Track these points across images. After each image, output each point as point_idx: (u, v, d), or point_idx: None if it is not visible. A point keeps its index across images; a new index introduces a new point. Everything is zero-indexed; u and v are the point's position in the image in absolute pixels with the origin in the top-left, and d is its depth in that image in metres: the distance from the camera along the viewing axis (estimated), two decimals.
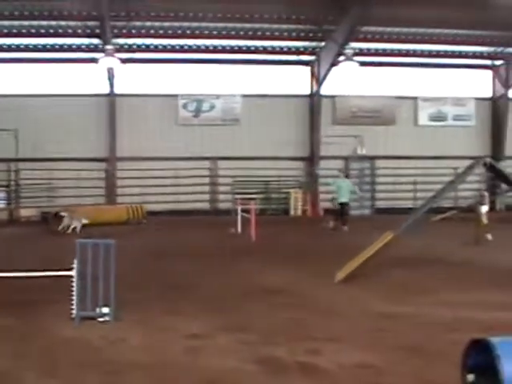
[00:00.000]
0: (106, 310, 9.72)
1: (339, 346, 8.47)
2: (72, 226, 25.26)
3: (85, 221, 25.75)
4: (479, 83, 38.27)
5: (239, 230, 24.62)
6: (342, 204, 25.69)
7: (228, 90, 35.84)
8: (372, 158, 36.69)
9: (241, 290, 12.66)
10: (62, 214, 26.15)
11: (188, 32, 32.57)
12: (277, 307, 10.98)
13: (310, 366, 7.63)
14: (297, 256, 17.85)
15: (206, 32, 32.64)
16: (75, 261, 9.70)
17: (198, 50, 34.51)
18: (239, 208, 25.50)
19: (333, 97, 36.45)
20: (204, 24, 31.84)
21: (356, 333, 9.26)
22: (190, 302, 11.35)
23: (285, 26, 32.72)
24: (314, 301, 11.61)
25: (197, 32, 32.62)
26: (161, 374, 7.42)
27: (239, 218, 24.98)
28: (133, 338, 8.89)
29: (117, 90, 34.44)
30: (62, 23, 30.86)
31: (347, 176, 26.81)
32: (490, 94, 38.31)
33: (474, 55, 36.92)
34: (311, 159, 36.16)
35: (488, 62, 37.64)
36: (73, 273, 9.71)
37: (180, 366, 7.67)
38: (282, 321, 9.96)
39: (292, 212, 35.76)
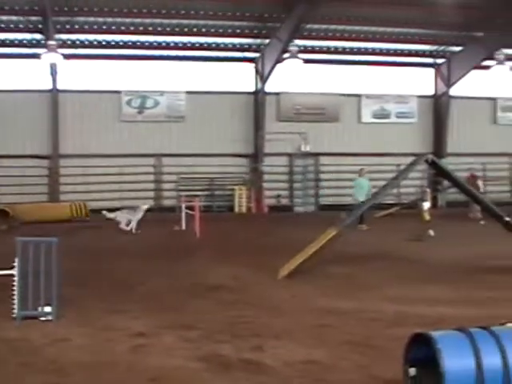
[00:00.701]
0: (48, 309, 9.59)
1: (284, 343, 8.49)
2: (131, 221, 24.36)
3: (145, 206, 24.81)
4: (422, 81, 38.71)
5: (184, 227, 24.56)
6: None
7: (172, 87, 35.65)
8: (316, 155, 36.86)
9: (186, 287, 12.63)
10: (109, 215, 24.71)
11: (132, 28, 32.31)
12: (222, 304, 10.97)
13: (255, 363, 7.64)
14: (241, 252, 17.84)
15: (150, 28, 32.41)
16: (16, 259, 9.56)
17: (142, 46, 34.21)
18: (183, 205, 25.49)
19: (277, 94, 36.53)
20: (148, 20, 31.63)
21: (300, 329, 9.30)
22: (135, 301, 11.28)
23: (229, 23, 32.69)
24: (258, 297, 11.64)
25: (141, 28, 32.37)
26: (105, 373, 7.35)
27: (183, 215, 24.95)
28: (76, 337, 8.79)
29: (60, 86, 33.97)
30: (4, 18, 30.35)
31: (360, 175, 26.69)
32: (432, 92, 38.80)
33: (417, 53, 37.33)
34: (255, 156, 36.18)
35: (430, 61, 38.10)
36: (14, 272, 9.57)
37: (124, 365, 7.61)
38: (226, 318, 9.95)
39: (237, 209, 35.75)
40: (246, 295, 11.84)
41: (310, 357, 7.85)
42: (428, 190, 23.92)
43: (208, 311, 10.46)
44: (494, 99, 39.36)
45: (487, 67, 35.72)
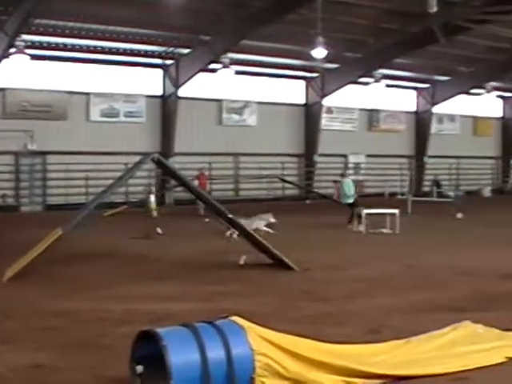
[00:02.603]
0: None
1: (9, 348, 8.27)
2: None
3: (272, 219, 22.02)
4: (150, 81, 39.10)
5: None
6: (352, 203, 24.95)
7: None
8: (43, 154, 36.00)
9: None
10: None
11: None
12: None
13: None
14: None
15: None
16: None
17: None
18: None
19: (3, 90, 35.17)
20: None
21: (26, 333, 9.10)
22: None
23: None
24: None
25: None
26: None
27: None
28: None
29: None
30: None
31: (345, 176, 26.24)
32: (160, 92, 39.34)
33: (146, 54, 37.63)
34: None
35: (159, 61, 38.60)
36: None
37: None
38: None
39: None
40: None
41: (36, 360, 7.72)
42: (154, 188, 24.25)
43: None
44: (219, 101, 40.78)
45: (214, 70, 37.03)
